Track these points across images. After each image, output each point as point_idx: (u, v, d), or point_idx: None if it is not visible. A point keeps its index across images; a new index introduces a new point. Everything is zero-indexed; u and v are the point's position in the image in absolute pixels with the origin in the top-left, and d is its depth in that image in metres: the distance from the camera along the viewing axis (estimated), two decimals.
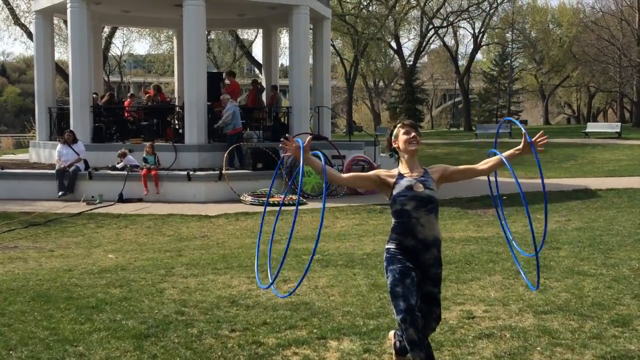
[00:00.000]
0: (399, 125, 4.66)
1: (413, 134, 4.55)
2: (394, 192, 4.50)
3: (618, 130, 38.87)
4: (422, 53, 62.10)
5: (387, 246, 4.57)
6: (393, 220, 4.55)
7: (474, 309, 6.15)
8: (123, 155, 16.99)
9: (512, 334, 5.43)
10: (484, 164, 4.75)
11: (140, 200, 16.02)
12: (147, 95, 21.47)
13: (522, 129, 4.66)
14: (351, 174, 4.77)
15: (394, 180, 4.53)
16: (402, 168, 4.59)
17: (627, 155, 28.14)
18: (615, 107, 70.40)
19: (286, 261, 8.46)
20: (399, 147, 4.61)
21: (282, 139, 4.43)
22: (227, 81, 20.64)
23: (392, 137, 4.66)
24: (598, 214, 13.34)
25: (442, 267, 4.63)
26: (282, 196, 15.90)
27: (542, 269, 7.68)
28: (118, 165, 16.89)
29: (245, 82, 47.93)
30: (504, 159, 4.60)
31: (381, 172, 4.65)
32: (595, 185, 18.04)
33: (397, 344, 4.77)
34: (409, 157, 4.57)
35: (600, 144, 33.80)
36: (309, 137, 4.54)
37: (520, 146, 4.63)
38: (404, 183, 4.49)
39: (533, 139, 4.56)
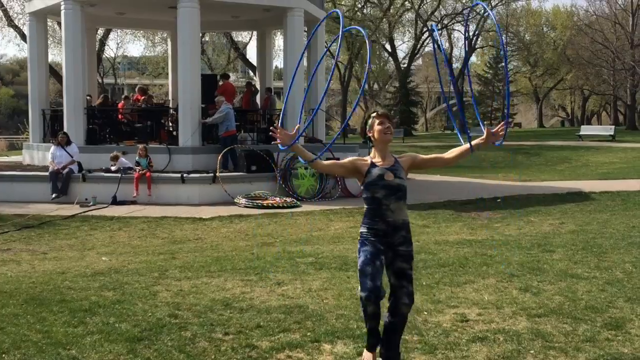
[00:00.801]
0: (373, 115, 4.90)
1: (387, 124, 4.83)
2: (367, 180, 4.81)
3: (612, 133, 39.01)
4: (417, 55, 62.13)
5: (360, 230, 4.90)
6: (365, 205, 4.89)
7: (468, 312, 6.15)
8: (115, 159, 16.94)
9: (506, 337, 5.44)
10: (450, 153, 5.04)
11: (133, 202, 15.99)
12: (136, 99, 21.37)
13: (482, 126, 4.95)
14: (330, 161, 5.07)
15: (366, 168, 4.82)
16: (375, 157, 4.88)
17: (620, 158, 28.25)
18: (609, 110, 70.68)
19: (280, 264, 8.47)
20: (373, 137, 4.86)
21: (272, 128, 4.76)
22: (220, 83, 20.65)
23: (367, 127, 4.91)
24: (592, 217, 13.37)
25: (412, 246, 4.92)
26: (276, 198, 15.90)
27: (535, 272, 7.70)
28: (112, 168, 16.84)
29: (239, 85, 47.92)
30: (472, 147, 4.87)
31: (355, 159, 4.93)
32: (589, 188, 18.09)
33: (367, 338, 4.95)
34: (383, 147, 4.86)
35: (594, 146, 33.91)
36: (297, 125, 4.82)
37: (484, 136, 4.85)
38: (376, 172, 4.79)
39: (494, 130, 4.82)
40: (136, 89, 22.33)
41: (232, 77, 43.21)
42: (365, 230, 4.85)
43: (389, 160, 4.86)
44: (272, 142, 4.86)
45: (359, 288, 4.73)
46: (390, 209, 4.80)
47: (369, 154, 4.99)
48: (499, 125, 4.84)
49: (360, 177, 4.86)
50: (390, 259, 4.81)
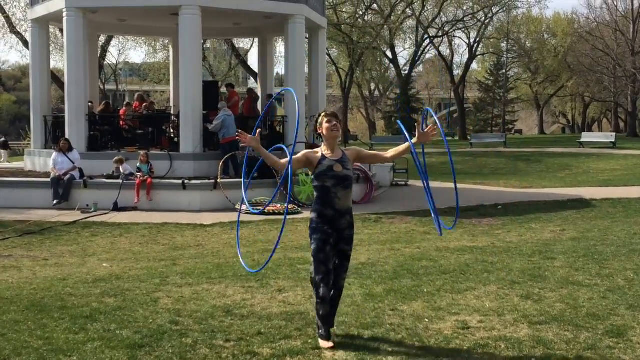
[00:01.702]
0: (322, 114, 5.58)
1: (334, 122, 5.51)
2: (317, 171, 5.44)
3: (613, 140, 38.99)
4: (418, 62, 62.17)
5: (311, 216, 5.53)
6: (316, 193, 5.51)
7: (469, 319, 6.15)
8: (120, 162, 16.94)
9: (507, 344, 5.43)
10: (389, 152, 5.69)
11: (135, 209, 16.00)
12: (135, 107, 21.44)
13: (421, 122, 5.69)
14: (286, 159, 5.46)
15: (318, 160, 5.46)
16: (325, 150, 5.53)
17: (621, 165, 28.23)
18: (610, 117, 70.68)
19: (281, 271, 8.46)
20: (323, 133, 5.52)
21: (237, 132, 5.55)
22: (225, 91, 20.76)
23: (318, 125, 5.58)
24: (593, 224, 13.36)
25: (354, 229, 5.66)
26: (278, 205, 15.90)
27: (537, 279, 7.70)
28: (121, 172, 16.79)
29: (240, 91, 47.97)
30: (412, 146, 5.50)
31: (307, 152, 5.56)
32: (590, 195, 18.08)
33: (320, 332, 5.49)
34: (331, 141, 5.52)
35: (595, 153, 33.90)
36: (259, 129, 5.56)
37: (416, 137, 5.55)
38: (326, 163, 5.43)
39: (425, 130, 5.52)
40: (135, 97, 22.39)
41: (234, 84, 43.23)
42: (316, 216, 5.47)
43: (338, 153, 5.50)
44: (241, 145, 5.52)
45: (313, 272, 5.41)
46: (338, 196, 5.43)
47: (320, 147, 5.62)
48: (429, 127, 5.51)
49: (311, 167, 5.48)
50: (335, 241, 5.47)
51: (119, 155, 17.35)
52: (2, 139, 36.32)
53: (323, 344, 5.39)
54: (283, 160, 5.47)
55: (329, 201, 5.43)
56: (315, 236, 5.42)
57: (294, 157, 5.42)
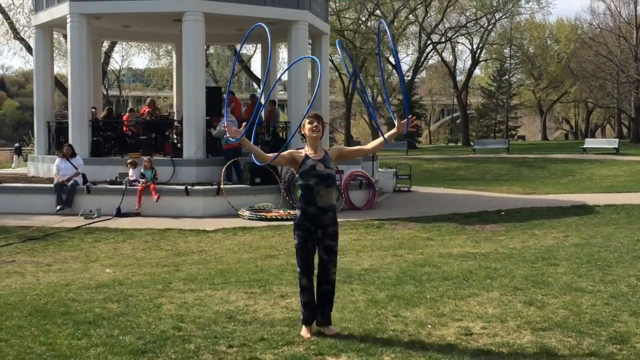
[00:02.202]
0: (307, 114, 5.87)
1: (316, 123, 5.79)
2: (301, 170, 5.77)
3: (616, 146, 38.94)
4: (421, 68, 62.20)
5: (295, 213, 5.95)
6: (300, 191, 5.87)
7: (472, 325, 6.14)
8: (134, 166, 16.92)
9: (510, 351, 5.42)
10: (370, 145, 6.19)
11: (138, 214, 16.00)
12: (144, 111, 21.56)
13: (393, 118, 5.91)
14: (274, 154, 5.85)
15: (301, 159, 5.78)
16: (308, 150, 5.84)
17: (625, 171, 28.20)
18: (613, 122, 70.56)
19: (284, 277, 8.47)
20: (305, 134, 5.84)
21: (224, 124, 5.91)
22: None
23: (301, 126, 5.90)
24: (596, 230, 13.34)
25: (337, 226, 5.93)
26: (280, 211, 15.91)
27: (540, 285, 7.69)
28: (130, 172, 16.78)
29: (243, 97, 48.04)
30: (385, 139, 5.86)
31: (292, 151, 5.90)
32: (593, 201, 18.06)
33: (303, 318, 5.95)
34: (313, 142, 5.81)
35: (598, 159, 33.85)
36: (244, 123, 5.76)
37: (395, 128, 5.89)
38: (309, 163, 5.75)
39: (403, 121, 5.80)
40: (147, 102, 22.50)
41: (236, 89, 43.37)
42: (300, 213, 5.83)
43: (320, 153, 5.82)
44: (224, 136, 5.92)
45: (297, 267, 5.92)
46: (320, 194, 5.74)
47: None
48: (404, 120, 5.79)
49: (296, 166, 5.82)
50: (320, 237, 5.82)
51: (132, 159, 17.33)
52: (17, 145, 37.06)
53: (303, 331, 5.83)
54: (269, 155, 5.84)
55: (311, 199, 5.75)
56: (298, 232, 5.85)
57: (282, 153, 5.82)
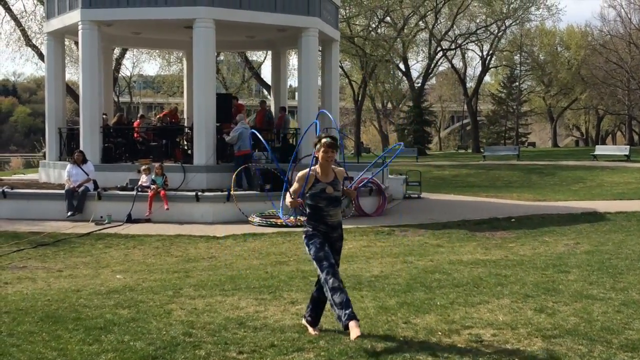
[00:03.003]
0: (323, 142, 6.06)
1: (330, 154, 6.04)
2: (311, 192, 6.08)
3: (627, 153, 38.78)
4: (431, 75, 62.13)
5: (305, 229, 6.22)
6: (308, 210, 6.15)
7: (482, 332, 6.13)
8: (147, 172, 16.98)
9: (521, 358, 5.40)
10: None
11: (148, 220, 16.05)
12: (164, 114, 21.90)
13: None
14: (294, 191, 6.11)
15: (312, 181, 6.06)
16: (319, 171, 6.11)
17: (635, 178, 28.07)
18: (624, 129, 70.29)
19: (294, 283, 8.47)
20: (318, 158, 6.09)
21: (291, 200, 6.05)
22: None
23: (316, 148, 6.11)
24: (607, 238, 13.29)
25: (343, 240, 6.35)
26: (289, 217, 15.91)
27: (550, 293, 7.67)
28: (144, 183, 16.83)
29: (253, 103, 48.15)
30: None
31: (303, 176, 6.08)
32: (603, 208, 17.99)
33: (309, 319, 6.25)
34: (325, 166, 6.09)
35: (609, 166, 33.71)
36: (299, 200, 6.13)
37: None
38: (319, 186, 6.07)
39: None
40: (171, 107, 22.89)
41: (246, 95, 43.48)
42: (311, 229, 6.15)
43: (330, 176, 6.14)
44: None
45: (320, 273, 5.94)
46: (329, 214, 6.12)
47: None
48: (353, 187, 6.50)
49: (306, 186, 6.08)
50: (332, 243, 6.16)
51: (147, 165, 17.39)
52: (43, 151, 37.37)
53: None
54: (290, 199, 6.11)
55: (321, 218, 6.12)
56: (312, 241, 6.10)
57: (297, 184, 6.11)
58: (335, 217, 6.18)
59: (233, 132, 17.78)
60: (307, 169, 6.11)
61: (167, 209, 16.09)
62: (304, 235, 6.21)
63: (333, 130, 6.25)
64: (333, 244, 6.17)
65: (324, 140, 6.06)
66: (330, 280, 5.84)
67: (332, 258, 6.00)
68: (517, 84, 63.67)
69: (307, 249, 6.15)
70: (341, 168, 6.35)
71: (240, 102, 22.71)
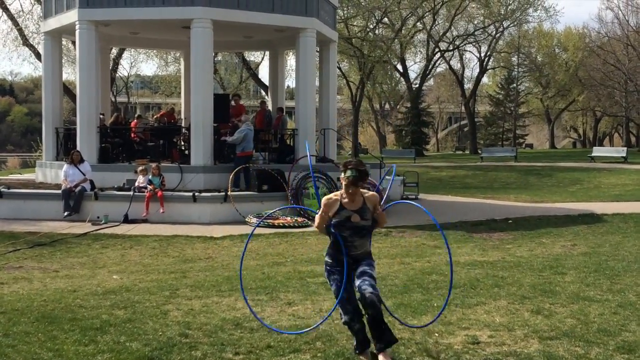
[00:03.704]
0: (347, 175, 5.31)
1: (351, 190, 5.34)
2: (335, 220, 5.39)
3: (624, 154, 38.84)
4: (428, 76, 62.25)
5: (325, 259, 5.58)
6: (331, 237, 5.46)
7: (479, 334, 6.13)
8: (144, 173, 16.94)
9: (517, 359, 5.40)
10: (382, 221, 5.68)
11: (145, 221, 16.03)
12: (161, 115, 21.91)
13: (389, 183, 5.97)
14: (318, 220, 5.54)
15: (336, 208, 5.38)
16: (344, 196, 5.40)
17: (633, 180, 28.11)
18: (621, 131, 70.39)
19: (290, 284, 8.46)
20: (342, 184, 5.39)
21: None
22: (232, 103, 20.83)
23: (341, 174, 5.40)
24: (604, 239, 13.30)
25: (374, 262, 5.59)
26: (288, 218, 15.90)
27: (547, 294, 7.66)
28: (141, 184, 16.80)
29: (251, 104, 48.11)
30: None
31: (327, 204, 5.43)
32: (601, 209, 18.00)
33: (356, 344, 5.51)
34: (352, 192, 5.36)
35: (606, 168, 33.76)
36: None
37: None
38: (344, 214, 5.35)
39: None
40: (167, 108, 22.88)
41: (244, 96, 43.54)
42: (330, 260, 5.48)
43: (358, 202, 5.39)
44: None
45: (342, 315, 5.40)
46: (354, 245, 5.42)
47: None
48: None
49: (330, 213, 5.44)
50: (354, 266, 5.45)
51: (144, 166, 17.36)
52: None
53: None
54: (317, 222, 5.60)
55: (344, 249, 5.39)
56: (333, 277, 5.48)
57: (323, 216, 5.48)
58: (362, 248, 5.47)
59: (238, 132, 17.74)
60: (332, 194, 5.55)
61: (163, 212, 16.08)
62: (325, 267, 5.63)
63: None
64: (358, 263, 5.45)
65: (347, 174, 5.32)
66: (357, 326, 5.40)
67: (355, 297, 5.39)
68: (514, 85, 63.79)
69: (329, 283, 5.60)
70: (373, 193, 5.57)
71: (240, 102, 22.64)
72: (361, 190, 5.45)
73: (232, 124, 19.24)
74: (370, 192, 5.51)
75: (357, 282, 5.35)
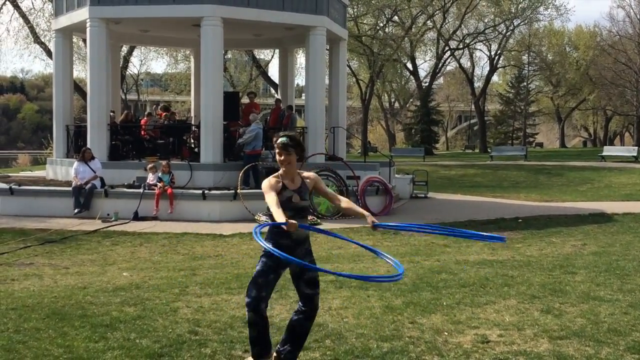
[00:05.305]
0: (276, 143, 5.18)
1: (283, 156, 5.17)
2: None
3: (635, 154, 38.63)
4: (438, 74, 62.15)
5: (265, 243, 5.08)
6: (270, 220, 5.12)
7: (489, 333, 6.12)
8: (154, 170, 17.00)
9: (527, 359, 5.39)
10: (344, 204, 5.41)
11: (155, 218, 16.06)
12: (159, 115, 21.86)
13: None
14: (273, 199, 5.04)
15: (279, 189, 5.12)
16: (284, 177, 5.22)
17: None
18: (632, 130, 70.03)
19: None
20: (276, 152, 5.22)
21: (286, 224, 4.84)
22: (247, 100, 20.91)
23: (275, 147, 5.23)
24: (614, 239, 13.24)
25: (313, 255, 5.37)
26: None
27: (557, 294, 7.64)
28: (151, 182, 16.84)
29: (260, 102, 48.14)
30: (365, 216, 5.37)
31: (273, 185, 5.11)
32: (611, 209, 17.93)
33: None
34: (287, 169, 5.21)
35: (617, 167, 33.59)
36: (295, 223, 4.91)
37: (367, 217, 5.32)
38: (286, 194, 5.14)
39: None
40: (159, 107, 22.63)
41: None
42: (272, 245, 5.02)
43: (297, 182, 5.25)
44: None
45: (246, 293, 5.23)
46: None
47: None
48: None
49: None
50: (299, 270, 5.20)
51: (154, 164, 17.41)
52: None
53: None
54: (279, 211, 5.03)
55: (285, 231, 4.98)
56: (264, 259, 5.20)
57: (274, 195, 5.08)
58: (302, 231, 5.16)
59: (249, 132, 17.76)
60: (271, 175, 5.27)
61: (171, 212, 16.11)
62: (263, 250, 5.14)
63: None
64: (302, 259, 5.13)
65: (278, 140, 5.21)
66: (249, 314, 5.23)
67: (269, 292, 5.22)
68: (525, 84, 63.55)
69: (258, 262, 5.29)
70: (314, 174, 5.42)
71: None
72: (301, 172, 5.33)
73: (244, 121, 19.26)
74: (311, 173, 5.37)
75: (305, 290, 5.25)
